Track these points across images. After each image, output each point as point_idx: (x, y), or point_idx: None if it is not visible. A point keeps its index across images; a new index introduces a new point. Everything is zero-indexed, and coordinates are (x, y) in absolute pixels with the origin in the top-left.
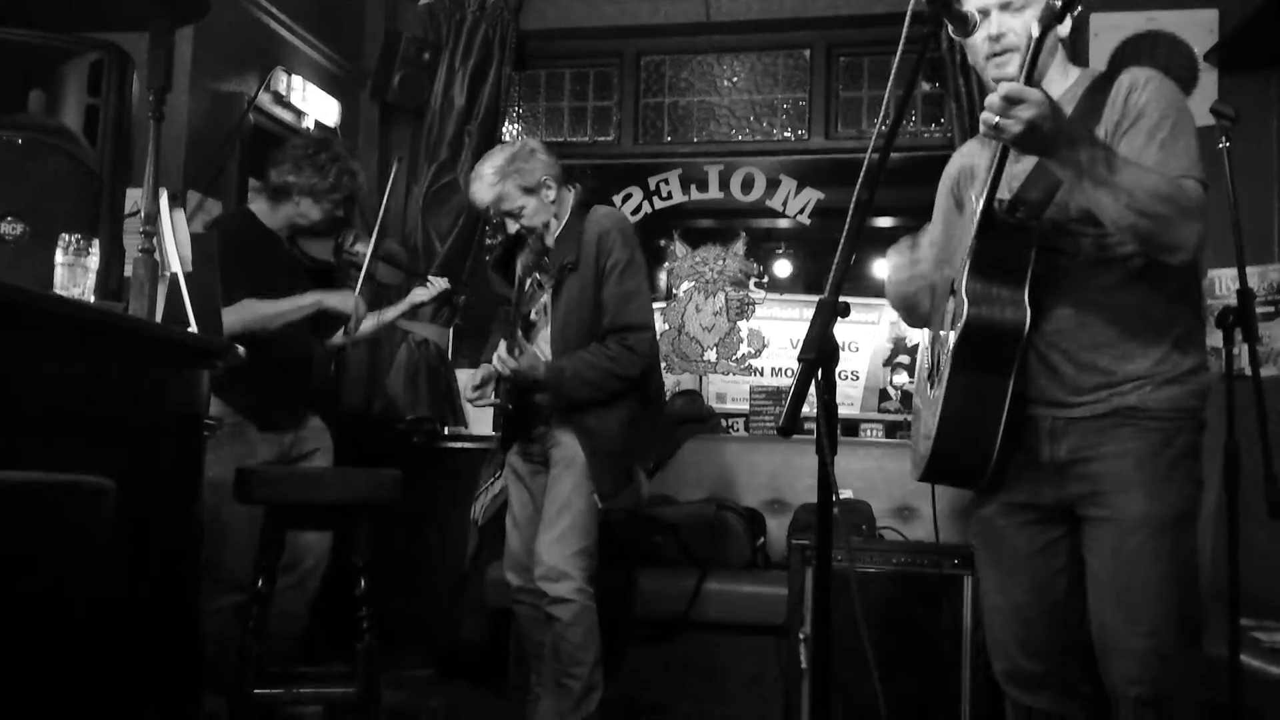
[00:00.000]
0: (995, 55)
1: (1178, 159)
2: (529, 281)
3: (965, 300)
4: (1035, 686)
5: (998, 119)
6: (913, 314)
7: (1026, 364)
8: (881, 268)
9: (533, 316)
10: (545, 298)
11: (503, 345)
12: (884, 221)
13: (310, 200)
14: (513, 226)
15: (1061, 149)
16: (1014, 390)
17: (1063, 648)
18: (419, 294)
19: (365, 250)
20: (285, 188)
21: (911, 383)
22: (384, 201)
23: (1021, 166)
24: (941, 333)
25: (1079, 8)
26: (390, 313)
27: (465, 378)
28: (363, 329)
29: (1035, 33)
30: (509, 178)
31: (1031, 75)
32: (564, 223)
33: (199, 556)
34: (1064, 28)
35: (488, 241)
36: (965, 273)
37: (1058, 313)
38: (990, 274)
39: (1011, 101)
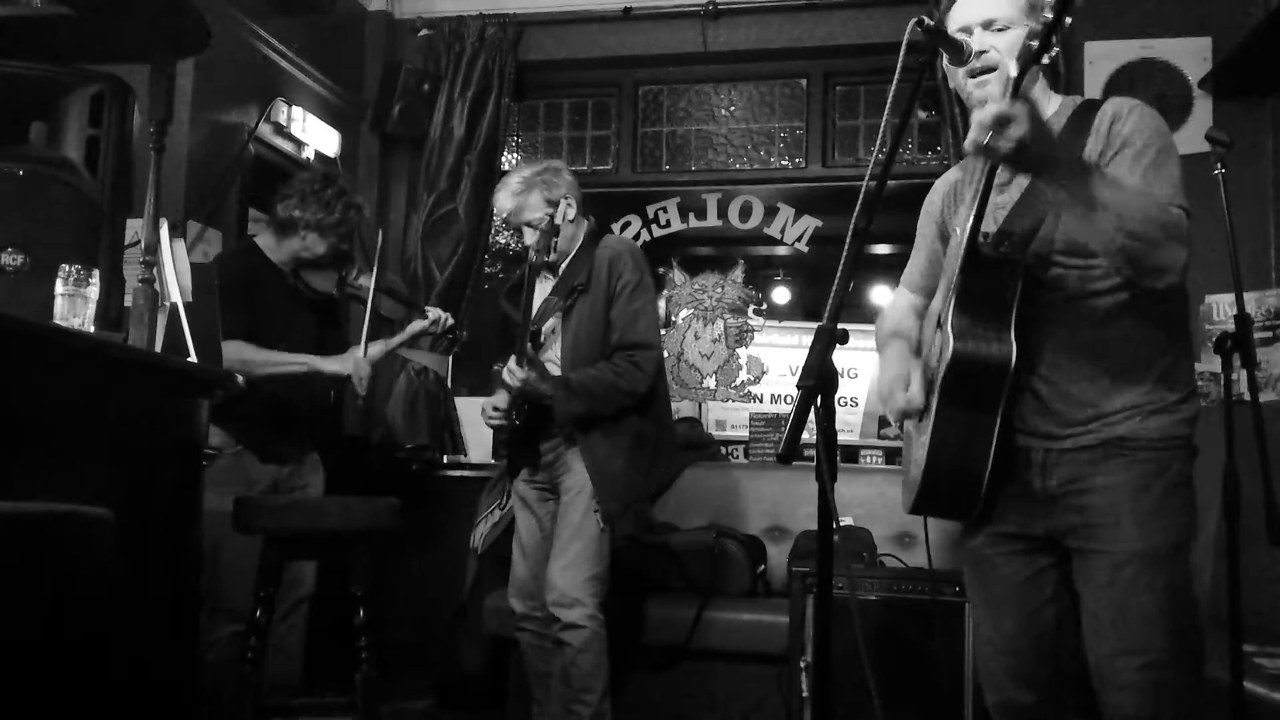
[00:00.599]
0: (976, 74)
1: (1162, 187)
2: (542, 301)
3: (951, 336)
4: (1028, 718)
5: (988, 138)
6: None
7: (1015, 396)
8: (880, 294)
9: (543, 337)
10: (555, 320)
11: (512, 359)
12: (881, 248)
13: (316, 235)
14: (530, 237)
15: (1050, 168)
16: (1002, 423)
17: (1053, 677)
18: (418, 325)
19: (368, 284)
20: (292, 222)
21: None
22: (379, 246)
23: (1006, 198)
24: (930, 365)
25: (1056, 50)
26: (392, 341)
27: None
28: (370, 353)
29: (1013, 72)
30: (535, 188)
31: None
32: (578, 246)
33: (199, 582)
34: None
35: (487, 270)
36: (950, 307)
37: (1044, 346)
38: (975, 309)
39: (1003, 121)
